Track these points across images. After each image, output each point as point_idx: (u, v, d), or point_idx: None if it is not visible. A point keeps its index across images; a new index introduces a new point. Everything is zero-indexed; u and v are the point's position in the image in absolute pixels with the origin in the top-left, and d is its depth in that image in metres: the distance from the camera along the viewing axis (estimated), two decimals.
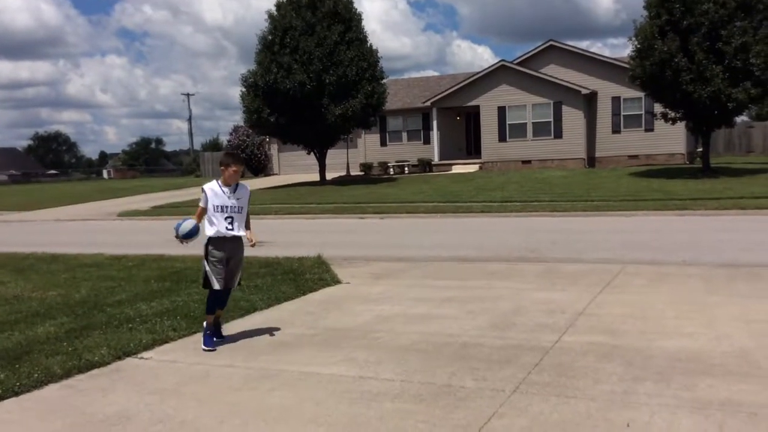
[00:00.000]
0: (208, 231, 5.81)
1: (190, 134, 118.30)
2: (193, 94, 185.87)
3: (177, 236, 5.89)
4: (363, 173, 36.37)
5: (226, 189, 5.88)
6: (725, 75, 21.42)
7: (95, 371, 5.36)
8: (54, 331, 6.52)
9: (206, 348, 5.76)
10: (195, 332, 6.39)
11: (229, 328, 6.55)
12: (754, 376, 4.54)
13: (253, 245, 6.03)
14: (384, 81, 30.62)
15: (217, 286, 5.79)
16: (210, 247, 5.85)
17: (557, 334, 5.81)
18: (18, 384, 4.97)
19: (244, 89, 29.21)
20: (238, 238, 5.96)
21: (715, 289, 7.38)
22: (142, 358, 5.70)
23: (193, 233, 5.84)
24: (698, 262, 9.09)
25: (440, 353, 5.42)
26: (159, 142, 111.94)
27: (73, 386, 5.05)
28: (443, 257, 10.64)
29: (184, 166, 70.80)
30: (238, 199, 5.90)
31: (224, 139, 73.27)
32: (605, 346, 5.37)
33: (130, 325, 6.60)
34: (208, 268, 5.83)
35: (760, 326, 5.77)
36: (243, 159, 6.18)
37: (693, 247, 10.49)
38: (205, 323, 5.93)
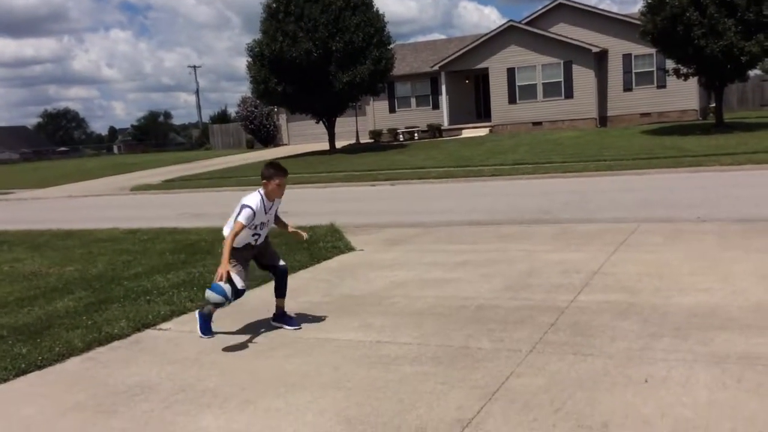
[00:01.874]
0: (231, 238, 5.18)
1: (198, 107, 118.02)
2: (199, 66, 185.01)
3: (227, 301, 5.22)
4: (372, 140, 36.25)
5: (267, 204, 5.34)
6: (738, 28, 21.01)
7: (115, 343, 5.43)
8: (73, 305, 6.61)
9: (206, 336, 5.21)
10: None
11: (245, 298, 6.57)
12: None
13: (306, 238, 5.79)
14: (391, 46, 30.30)
15: (241, 286, 5.29)
16: (233, 253, 5.29)
17: (573, 293, 5.81)
18: (40, 358, 5.05)
19: (250, 59, 29.02)
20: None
21: (730, 244, 7.34)
22: (161, 329, 5.77)
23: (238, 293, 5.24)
24: (713, 218, 9.02)
25: (456, 316, 5.44)
26: (167, 115, 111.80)
27: (94, 358, 5.12)
28: (456, 222, 10.62)
29: (193, 140, 70.82)
30: (271, 213, 5.46)
31: (232, 110, 73.16)
32: (621, 304, 5.37)
33: (148, 298, 6.67)
34: (233, 273, 5.24)
35: None
36: (285, 169, 5.45)
37: (708, 203, 10.40)
38: (205, 308, 5.29)
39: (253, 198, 5.29)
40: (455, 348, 4.68)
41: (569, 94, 31.37)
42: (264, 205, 5.31)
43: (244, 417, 3.82)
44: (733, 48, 21.03)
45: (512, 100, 32.48)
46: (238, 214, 5.19)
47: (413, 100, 37.06)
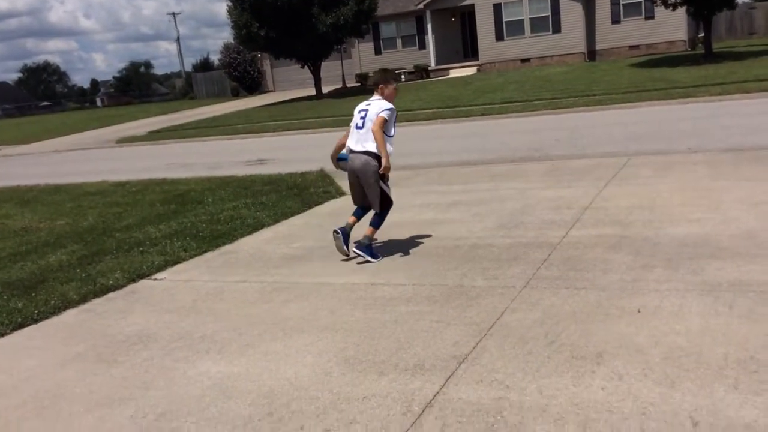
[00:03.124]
0: (389, 149, 5.36)
1: (180, 56, 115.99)
2: (178, 13, 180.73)
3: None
4: (359, 84, 35.74)
5: None
6: None
7: (111, 294, 5.44)
8: (66, 259, 6.59)
9: (376, 259, 5.47)
10: (206, 251, 6.46)
11: (239, 246, 6.61)
12: (763, 257, 4.58)
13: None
14: None
15: (392, 199, 5.58)
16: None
17: (565, 229, 5.84)
18: (36, 311, 5.07)
19: (230, 4, 28.34)
20: None
21: (721, 174, 7.35)
22: (156, 279, 5.78)
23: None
24: (703, 148, 9.02)
25: (450, 256, 5.47)
26: (148, 65, 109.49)
27: (91, 310, 5.14)
28: (446, 162, 10.58)
29: (177, 89, 69.62)
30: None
31: (215, 58, 71.72)
32: (613, 238, 5.40)
33: (141, 249, 6.66)
34: (386, 188, 5.49)
35: (766, 207, 5.77)
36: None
37: (698, 134, 10.38)
38: (366, 238, 5.52)
39: (384, 102, 5.38)
40: (450, 287, 4.72)
41: (557, 29, 30.89)
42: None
43: (244, 360, 3.86)
44: None
45: (499, 37, 31.96)
46: (385, 120, 5.29)
47: (399, 41, 36.41)
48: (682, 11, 25.49)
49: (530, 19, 31.34)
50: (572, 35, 30.64)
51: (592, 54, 31.20)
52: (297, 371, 3.64)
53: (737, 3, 25.79)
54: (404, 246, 5.93)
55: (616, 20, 30.90)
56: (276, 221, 7.47)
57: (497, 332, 3.86)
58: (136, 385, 3.73)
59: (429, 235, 6.20)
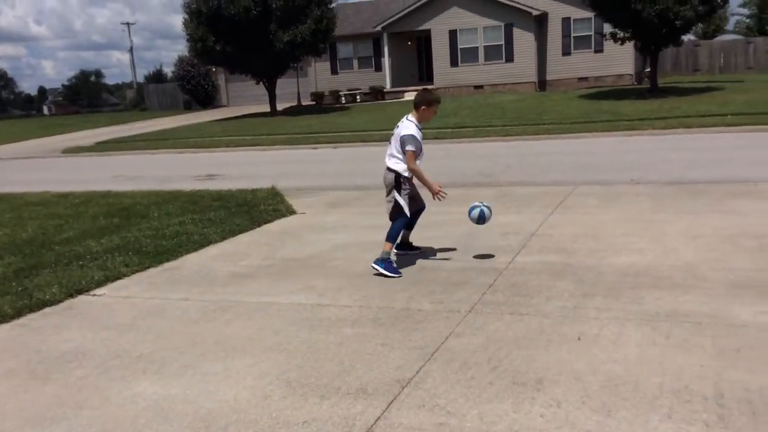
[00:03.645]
0: (405, 169, 5.69)
1: (132, 66, 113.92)
2: (132, 24, 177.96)
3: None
4: (314, 102, 35.77)
5: (420, 130, 5.75)
6: None
7: (47, 309, 5.26)
8: (2, 271, 6.36)
9: (394, 275, 5.53)
10: (148, 267, 6.31)
11: (183, 262, 6.49)
12: (699, 288, 4.72)
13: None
14: (333, 5, 29.78)
15: (408, 212, 5.79)
16: (406, 184, 5.76)
17: (511, 255, 5.92)
18: None
19: (186, 16, 28.07)
20: None
21: (662, 206, 7.58)
22: (95, 294, 5.61)
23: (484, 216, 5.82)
24: (646, 180, 9.29)
25: (397, 278, 5.47)
26: (99, 74, 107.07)
27: (25, 325, 4.96)
28: None
29: (128, 100, 68.40)
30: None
31: (168, 70, 70.79)
32: (558, 265, 5.50)
33: (81, 263, 6.47)
34: (402, 201, 5.76)
35: (704, 240, 5.96)
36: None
37: (641, 166, 10.69)
38: (384, 254, 5.65)
39: (410, 126, 5.64)
40: (396, 310, 4.72)
41: (510, 58, 31.55)
42: (419, 129, 5.69)
43: (182, 382, 3.77)
44: (668, 12, 21.44)
45: (454, 62, 32.46)
46: (403, 144, 5.59)
47: (355, 62, 36.63)
48: (629, 46, 26.35)
49: (484, 47, 31.95)
50: (524, 65, 31.34)
51: (542, 84, 31.96)
52: (237, 393, 3.57)
53: (683, 40, 26.80)
54: (352, 267, 5.91)
55: (566, 52, 31.77)
56: (223, 238, 7.36)
57: (441, 357, 3.87)
58: (70, 404, 3.60)
59: (377, 257, 6.18)
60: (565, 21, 31.35)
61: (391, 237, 5.73)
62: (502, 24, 31.28)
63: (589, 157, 12.55)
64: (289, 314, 4.78)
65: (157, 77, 65.90)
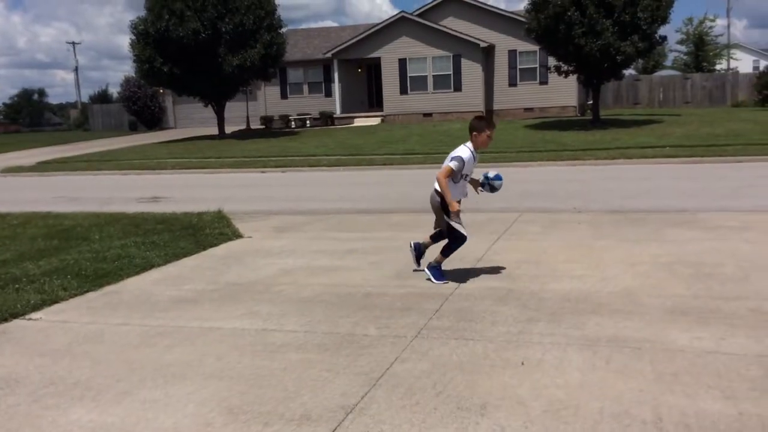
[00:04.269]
0: (444, 181, 5.82)
1: (77, 86, 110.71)
2: (78, 43, 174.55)
3: (487, 184, 6.07)
4: (263, 126, 35.63)
5: (475, 155, 5.89)
6: (614, 29, 22.27)
7: None
8: None
9: (440, 281, 5.86)
10: (87, 291, 6.12)
11: (124, 286, 6.32)
12: (638, 314, 4.84)
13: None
14: (283, 31, 29.88)
15: (464, 233, 5.88)
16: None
17: (457, 281, 5.97)
18: None
19: (134, 37, 27.72)
20: None
21: (602, 234, 7.78)
22: (30, 319, 5.41)
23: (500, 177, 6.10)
24: (588, 209, 9.54)
25: (344, 304, 5.45)
26: (42, 93, 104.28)
27: None
28: (346, 210, 10.64)
29: (71, 120, 66.77)
30: (474, 164, 5.93)
31: (114, 90, 69.59)
32: (502, 290, 5.57)
33: (17, 286, 6.23)
34: (455, 224, 5.86)
35: (643, 268, 6.14)
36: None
37: (583, 195, 10.98)
38: (435, 262, 5.99)
39: (464, 150, 5.83)
40: (342, 335, 4.69)
41: (458, 87, 32.14)
42: (473, 157, 5.84)
43: (119, 410, 3.65)
44: (610, 48, 22.26)
45: (404, 90, 32.87)
46: (449, 161, 5.77)
47: (306, 87, 36.72)
48: (573, 79, 27.21)
49: (433, 76, 32.49)
50: (472, 94, 31.96)
51: (490, 113, 32.58)
52: (177, 421, 3.48)
53: (624, 75, 27.81)
54: (298, 292, 5.86)
55: (513, 83, 32.57)
56: (167, 262, 7.21)
57: (386, 382, 3.85)
58: None
59: (324, 282, 6.16)
60: (512, 53, 32.19)
61: (445, 253, 5.98)
62: (451, 54, 31.89)
63: (533, 185, 12.82)
64: (232, 340, 4.70)
65: (102, 98, 64.63)
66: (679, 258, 6.37)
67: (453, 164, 5.74)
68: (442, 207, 5.87)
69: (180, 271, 6.87)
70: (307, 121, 35.03)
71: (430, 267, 6.00)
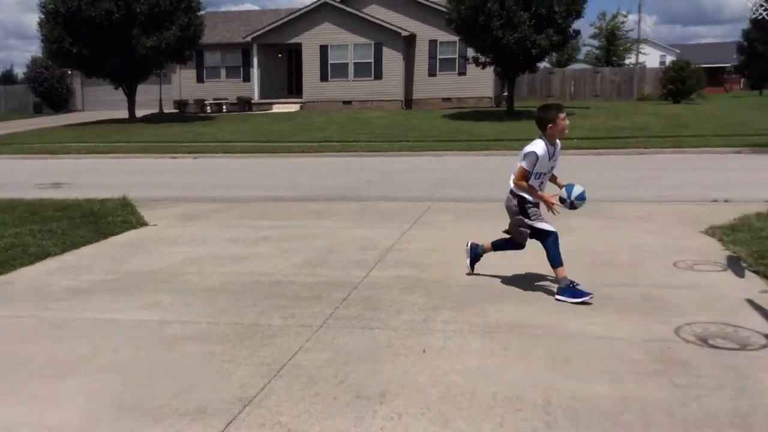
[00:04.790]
0: (522, 182, 5.25)
1: None
2: None
3: (568, 201, 5.21)
4: (177, 111, 34.56)
5: (551, 150, 5.17)
6: (531, 22, 22.78)
7: None
8: None
9: (585, 296, 4.93)
10: None
11: (16, 276, 6.00)
12: (539, 301, 5.00)
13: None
14: (201, 13, 29.04)
15: (552, 228, 5.19)
16: (529, 206, 5.27)
17: (367, 269, 5.97)
18: None
19: (42, 16, 26.33)
20: None
21: (507, 222, 7.93)
22: None
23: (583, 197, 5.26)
24: (494, 198, 9.70)
25: (250, 293, 5.36)
26: None
27: None
28: (260, 197, 10.48)
29: None
30: (555, 161, 5.29)
31: (20, 71, 65.93)
32: (409, 279, 5.61)
33: None
34: (538, 224, 5.23)
35: (545, 256, 6.29)
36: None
37: (493, 184, 11.18)
38: (560, 283, 5.07)
39: (537, 143, 5.17)
40: (245, 325, 4.61)
41: (378, 75, 32.16)
42: (548, 151, 5.17)
43: (2, 407, 3.46)
44: (526, 41, 22.77)
45: (324, 77, 32.62)
46: (521, 161, 5.21)
47: (223, 71, 35.83)
48: (490, 71, 27.70)
49: (354, 63, 32.36)
50: (392, 83, 32.05)
51: (409, 102, 32.81)
52: (62, 418, 3.32)
53: (538, 67, 28.52)
54: (203, 281, 5.72)
55: (432, 73, 32.84)
56: (64, 251, 6.88)
57: (288, 373, 3.81)
58: None
59: (232, 271, 6.04)
60: (432, 43, 32.42)
61: (554, 261, 5.14)
62: (373, 42, 31.84)
63: (446, 174, 13.00)
64: (129, 332, 4.53)
65: (7, 78, 61.11)
66: (579, 246, 6.58)
67: (524, 164, 5.18)
68: (520, 211, 5.31)
69: (78, 261, 6.58)
70: (224, 107, 34.22)
71: (562, 293, 5.03)
